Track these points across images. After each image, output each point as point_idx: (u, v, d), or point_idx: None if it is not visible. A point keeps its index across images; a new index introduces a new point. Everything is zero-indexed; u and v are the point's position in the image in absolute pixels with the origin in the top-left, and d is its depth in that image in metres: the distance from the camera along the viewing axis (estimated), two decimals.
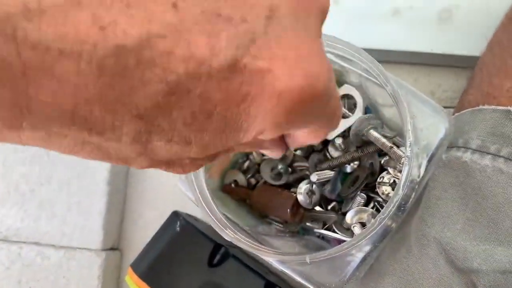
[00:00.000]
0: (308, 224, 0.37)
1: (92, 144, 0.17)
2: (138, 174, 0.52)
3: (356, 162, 0.37)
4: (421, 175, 0.31)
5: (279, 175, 0.39)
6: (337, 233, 0.36)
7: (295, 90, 0.17)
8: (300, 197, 0.36)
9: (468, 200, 0.31)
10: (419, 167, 0.31)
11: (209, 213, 0.31)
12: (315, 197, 0.37)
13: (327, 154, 0.38)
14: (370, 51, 0.31)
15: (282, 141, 0.23)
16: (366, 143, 0.36)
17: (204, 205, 0.32)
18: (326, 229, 0.36)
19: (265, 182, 0.39)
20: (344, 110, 0.36)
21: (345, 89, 0.36)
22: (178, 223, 0.44)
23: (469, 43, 0.44)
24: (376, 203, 0.35)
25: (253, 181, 0.40)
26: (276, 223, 0.39)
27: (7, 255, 0.49)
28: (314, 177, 0.36)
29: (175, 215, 0.45)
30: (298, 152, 0.40)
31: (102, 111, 0.16)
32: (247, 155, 0.41)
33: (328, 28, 0.34)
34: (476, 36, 0.44)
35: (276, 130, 0.18)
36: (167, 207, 0.49)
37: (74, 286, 0.48)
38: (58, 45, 0.15)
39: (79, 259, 0.48)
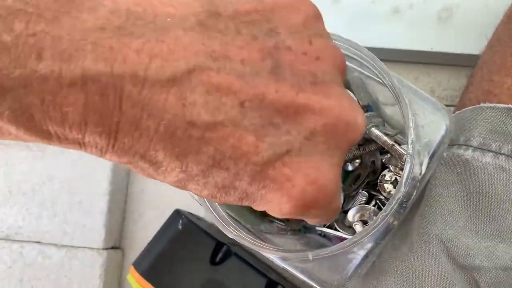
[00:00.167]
0: None
1: (146, 172, 0.23)
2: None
3: (358, 160, 0.37)
4: (423, 172, 0.31)
5: None
6: (339, 231, 0.36)
7: (304, 200, 0.23)
8: None
9: (470, 198, 0.32)
10: (421, 164, 0.31)
11: (212, 210, 0.32)
12: None
13: None
14: (370, 50, 0.31)
15: None
16: (367, 141, 0.36)
17: (207, 202, 0.32)
18: (327, 227, 0.37)
19: None
20: None
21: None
22: (180, 221, 0.44)
23: (469, 41, 0.45)
24: (377, 201, 0.36)
25: None
26: (278, 221, 0.39)
27: (9, 254, 0.49)
28: None
29: (177, 213, 0.45)
30: None
31: (164, 156, 0.21)
32: None
33: (329, 26, 0.34)
34: (476, 35, 0.44)
35: (281, 215, 0.24)
36: (169, 206, 0.49)
37: (76, 285, 0.48)
38: (151, 111, 0.20)
39: (80, 258, 0.49)
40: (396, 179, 0.35)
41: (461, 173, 0.32)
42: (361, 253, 0.31)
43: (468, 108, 0.35)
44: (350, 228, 0.36)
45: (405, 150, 0.32)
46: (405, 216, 0.31)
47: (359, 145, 0.37)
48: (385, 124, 0.37)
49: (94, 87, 0.19)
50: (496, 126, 0.32)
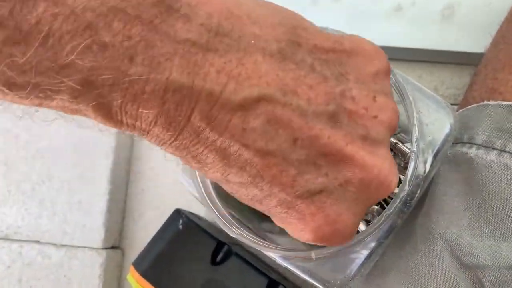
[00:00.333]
0: None
1: (191, 165, 0.25)
2: (139, 173, 0.52)
3: None
4: (427, 171, 0.31)
5: None
6: None
7: (318, 236, 0.25)
8: None
9: (474, 196, 0.31)
10: (425, 162, 0.31)
11: (214, 209, 0.31)
12: None
13: None
14: None
15: None
16: None
17: (208, 201, 0.31)
18: None
19: None
20: None
21: None
22: (181, 221, 0.44)
23: (472, 40, 0.44)
24: (381, 200, 0.35)
25: None
26: None
27: (8, 254, 0.49)
28: None
29: (177, 213, 0.44)
30: None
31: (212, 161, 0.23)
32: None
33: (331, 23, 0.34)
34: (479, 33, 0.44)
35: (294, 237, 0.26)
36: (168, 205, 0.49)
37: (75, 285, 0.48)
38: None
39: (80, 258, 0.48)
40: (399, 178, 0.35)
41: (465, 171, 0.32)
42: (364, 252, 0.31)
43: (472, 106, 0.34)
44: None
45: (408, 149, 0.32)
46: (409, 215, 0.31)
47: None
48: None
49: (173, 97, 0.20)
50: (500, 124, 0.31)
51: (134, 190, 0.51)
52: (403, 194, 0.28)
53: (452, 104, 0.45)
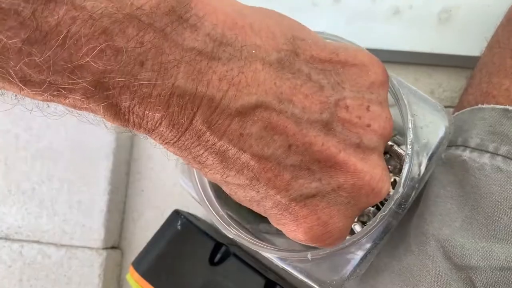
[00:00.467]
0: None
1: (192, 165, 0.26)
2: (138, 173, 0.52)
3: None
4: (421, 173, 0.31)
5: None
6: None
7: (310, 236, 0.26)
8: None
9: (467, 198, 0.32)
10: (420, 165, 0.31)
11: (212, 210, 0.32)
12: None
13: None
14: (370, 51, 0.31)
15: None
16: None
17: (207, 202, 0.32)
18: None
19: None
20: None
21: None
22: (179, 221, 0.44)
23: (469, 43, 0.45)
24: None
25: None
26: None
27: (8, 254, 0.49)
28: None
29: (176, 213, 0.45)
30: None
31: (212, 163, 0.25)
32: None
33: (328, 27, 0.34)
34: (475, 37, 0.44)
35: (289, 237, 0.27)
36: (168, 206, 0.49)
37: (75, 284, 0.49)
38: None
39: (80, 258, 0.49)
40: (395, 180, 0.35)
41: (458, 174, 0.33)
42: (360, 253, 0.32)
43: (466, 109, 0.35)
44: None
45: (404, 151, 0.32)
46: (404, 216, 0.31)
47: None
48: None
49: (177, 101, 0.21)
50: (493, 127, 0.32)
51: (133, 191, 0.52)
52: (397, 196, 0.29)
53: (448, 107, 0.46)
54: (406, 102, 0.30)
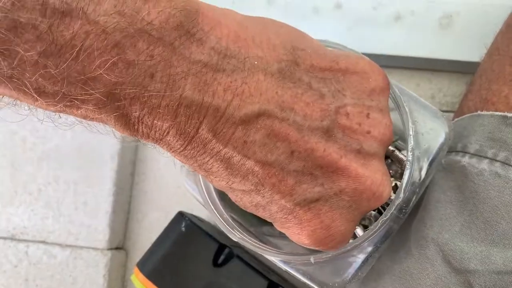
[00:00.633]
0: None
1: (199, 172, 0.27)
2: (143, 174, 0.53)
3: None
4: (422, 178, 0.32)
5: None
6: None
7: (313, 239, 0.27)
8: None
9: (466, 203, 0.32)
10: (420, 170, 0.32)
11: (216, 213, 0.32)
12: None
13: None
14: (371, 57, 0.32)
15: None
16: None
17: (211, 205, 0.33)
18: None
19: None
20: None
21: None
22: (183, 223, 0.44)
23: (470, 48, 0.45)
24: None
25: None
26: None
27: (15, 254, 0.50)
28: None
29: (180, 215, 0.45)
30: None
31: (217, 170, 0.26)
32: None
33: (330, 33, 0.34)
34: (476, 42, 0.45)
35: (293, 241, 0.28)
36: (172, 207, 0.50)
37: (80, 284, 0.49)
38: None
39: (85, 258, 0.49)
40: (396, 184, 0.36)
41: (458, 179, 0.33)
42: (361, 256, 0.32)
43: (466, 115, 0.35)
44: None
45: (405, 156, 0.33)
46: (404, 221, 0.32)
47: None
48: None
49: (185, 111, 0.22)
50: (492, 134, 0.32)
51: (138, 192, 0.52)
52: (398, 201, 0.29)
53: (449, 112, 0.46)
54: (407, 109, 0.30)
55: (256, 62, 0.23)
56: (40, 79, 0.19)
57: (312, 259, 0.30)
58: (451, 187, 0.33)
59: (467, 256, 0.31)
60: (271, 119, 0.24)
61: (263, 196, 0.26)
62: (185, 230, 0.44)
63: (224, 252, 0.43)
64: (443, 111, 0.34)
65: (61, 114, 0.23)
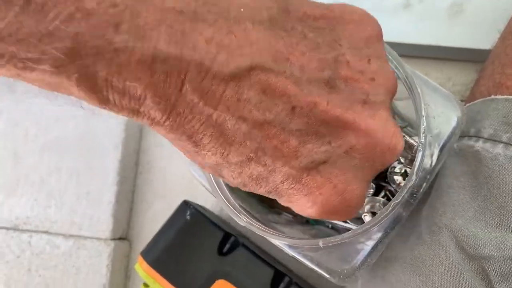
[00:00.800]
0: None
1: (188, 150, 0.24)
2: (148, 164, 0.52)
3: None
4: (433, 163, 0.31)
5: None
6: (348, 223, 0.36)
7: (327, 208, 0.24)
8: None
9: (480, 188, 0.32)
10: (431, 155, 0.31)
11: (224, 199, 0.32)
12: None
13: None
14: None
15: None
16: None
17: (218, 191, 0.32)
18: None
19: None
20: None
21: None
22: (188, 212, 0.44)
23: (480, 36, 0.45)
24: (387, 192, 0.36)
25: None
26: (286, 213, 0.39)
27: (18, 244, 0.50)
28: None
29: (185, 204, 0.45)
30: None
31: (209, 140, 0.23)
32: None
33: None
34: (486, 30, 0.44)
35: (303, 215, 0.25)
36: (176, 197, 0.49)
37: (83, 274, 0.49)
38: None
39: (88, 248, 0.49)
40: (405, 171, 0.35)
41: (471, 164, 0.32)
42: (370, 243, 0.31)
43: (479, 100, 0.35)
44: (359, 220, 0.36)
45: (416, 142, 0.32)
46: (414, 207, 0.31)
47: None
48: (396, 116, 0.37)
49: (161, 67, 0.19)
50: (507, 118, 0.32)
51: (142, 182, 0.52)
52: (411, 183, 0.29)
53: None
54: (419, 89, 0.30)
55: (242, 9, 0.21)
56: None
57: (321, 243, 0.29)
58: (464, 172, 0.33)
59: (481, 242, 0.30)
60: (265, 73, 0.21)
61: (265, 165, 0.23)
62: (190, 219, 0.44)
63: (229, 241, 0.43)
64: None
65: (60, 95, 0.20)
